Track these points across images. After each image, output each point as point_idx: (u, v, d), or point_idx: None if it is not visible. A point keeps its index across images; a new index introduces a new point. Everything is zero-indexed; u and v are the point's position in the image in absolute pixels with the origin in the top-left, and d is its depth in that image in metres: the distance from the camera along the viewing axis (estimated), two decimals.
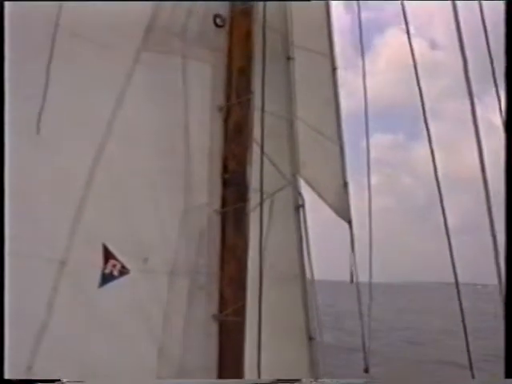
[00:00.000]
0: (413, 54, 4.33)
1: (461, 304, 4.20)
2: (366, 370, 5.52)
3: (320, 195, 5.51)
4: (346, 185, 5.64)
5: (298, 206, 5.08)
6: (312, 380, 4.87)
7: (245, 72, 3.91)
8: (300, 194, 5.13)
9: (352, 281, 5.53)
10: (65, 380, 3.01)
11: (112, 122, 3.50)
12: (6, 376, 2.81)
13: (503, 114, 3.44)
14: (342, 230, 5.53)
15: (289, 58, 5.25)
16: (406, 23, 4.34)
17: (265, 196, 4.81)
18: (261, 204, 3.85)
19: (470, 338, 4.21)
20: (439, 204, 4.17)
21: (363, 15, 5.60)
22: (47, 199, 3.34)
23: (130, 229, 3.56)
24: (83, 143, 3.47)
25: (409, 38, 4.32)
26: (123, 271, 3.47)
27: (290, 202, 5.05)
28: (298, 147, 5.22)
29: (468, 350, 4.16)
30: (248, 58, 3.92)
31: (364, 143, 5.78)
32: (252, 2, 3.94)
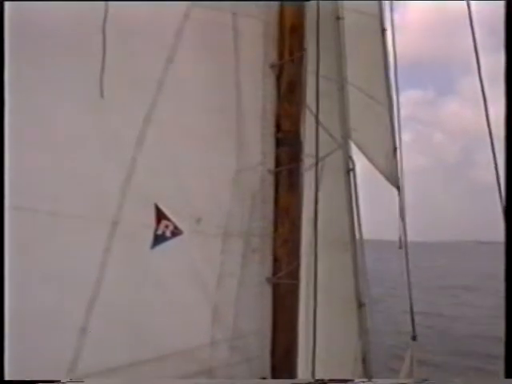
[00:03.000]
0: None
1: None
2: (414, 338, 5.47)
3: (370, 160, 5.43)
4: (395, 150, 5.55)
5: (349, 170, 4.99)
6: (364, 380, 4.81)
7: (297, 29, 3.78)
8: (350, 157, 5.04)
9: (401, 247, 5.48)
10: (65, 380, 2.96)
11: (162, 82, 3.42)
12: (7, 377, 2.76)
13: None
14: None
15: (338, 18, 5.12)
16: None
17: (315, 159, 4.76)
18: (316, 166, 3.74)
19: None
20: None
21: None
22: (96, 159, 3.28)
23: (182, 189, 3.48)
24: (133, 103, 3.38)
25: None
26: (176, 232, 3.41)
27: (341, 166, 4.97)
28: (349, 111, 5.12)
29: None
30: (300, 14, 3.80)
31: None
32: None
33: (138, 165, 3.33)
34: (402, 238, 5.39)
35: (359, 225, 4.91)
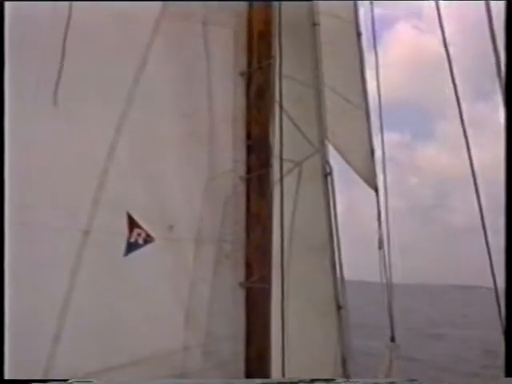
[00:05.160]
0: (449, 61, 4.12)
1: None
2: (392, 339, 5.54)
3: (348, 162, 5.47)
4: (372, 152, 5.59)
5: (326, 174, 5.03)
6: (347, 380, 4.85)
7: (264, 36, 3.84)
8: (327, 161, 5.08)
9: (380, 247, 5.52)
10: (72, 380, 3.00)
11: (134, 90, 3.47)
12: (7, 376, 2.80)
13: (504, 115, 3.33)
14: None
15: (314, 24, 5.17)
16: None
17: (293, 164, 4.80)
18: (281, 171, 3.79)
19: None
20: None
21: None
22: (67, 169, 3.32)
23: (154, 196, 3.53)
24: (105, 112, 3.44)
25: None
26: (148, 239, 3.46)
27: (319, 170, 5.00)
28: (326, 115, 5.16)
29: None
30: (267, 22, 3.85)
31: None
32: None
33: (109, 174, 3.37)
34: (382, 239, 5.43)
35: (336, 228, 4.95)
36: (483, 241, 3.86)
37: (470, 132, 4.03)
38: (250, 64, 3.79)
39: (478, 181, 3.90)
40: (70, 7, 3.29)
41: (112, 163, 3.38)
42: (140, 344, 3.40)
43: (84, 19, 3.35)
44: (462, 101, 4.07)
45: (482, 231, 3.86)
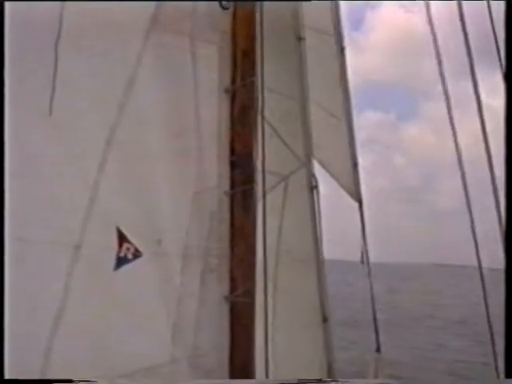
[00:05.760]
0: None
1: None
2: (378, 349, 5.59)
3: (333, 176, 5.54)
4: (356, 165, 5.66)
5: (312, 188, 5.11)
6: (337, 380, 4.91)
7: (248, 54, 3.92)
8: (313, 175, 5.16)
9: (363, 262, 5.57)
10: (77, 380, 3.05)
11: (124, 104, 3.53)
12: (7, 376, 2.86)
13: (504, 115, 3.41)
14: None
15: (300, 39, 5.25)
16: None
17: (279, 178, 4.88)
18: (263, 185, 3.84)
19: None
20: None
21: None
22: (59, 183, 3.38)
23: (143, 211, 3.60)
24: (95, 125, 3.50)
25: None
26: (137, 254, 3.53)
27: (305, 184, 5.08)
28: (311, 129, 5.23)
29: None
30: (251, 39, 3.92)
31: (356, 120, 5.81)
32: None
33: (100, 188, 3.43)
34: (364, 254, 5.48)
35: (320, 242, 5.02)
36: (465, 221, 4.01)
37: (456, 112, 4.09)
38: (233, 81, 3.87)
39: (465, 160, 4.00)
40: (61, 14, 3.34)
41: (102, 177, 3.45)
42: (130, 357, 3.46)
43: (75, 26, 3.42)
44: (448, 80, 4.14)
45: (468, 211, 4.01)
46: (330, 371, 4.98)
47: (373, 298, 5.43)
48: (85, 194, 3.40)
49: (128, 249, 3.51)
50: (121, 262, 3.49)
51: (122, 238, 3.49)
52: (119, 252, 3.48)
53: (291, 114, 5.10)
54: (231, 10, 3.88)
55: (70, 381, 2.96)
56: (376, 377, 5.20)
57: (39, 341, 3.21)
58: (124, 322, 3.49)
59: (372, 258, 5.37)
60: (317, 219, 5.06)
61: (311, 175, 5.16)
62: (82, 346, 3.35)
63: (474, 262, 4.11)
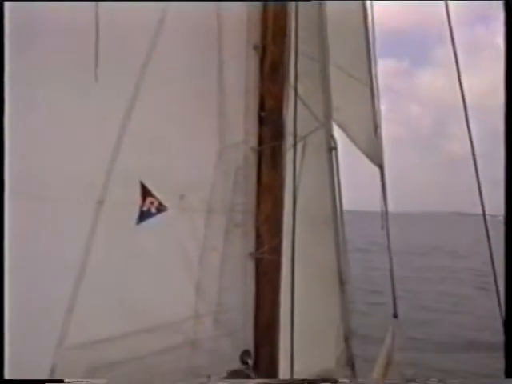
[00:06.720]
0: None
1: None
2: (395, 315, 5.58)
3: (352, 140, 5.48)
4: (377, 129, 5.60)
5: (331, 149, 5.04)
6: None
7: (280, 10, 3.84)
8: (332, 136, 5.09)
9: (383, 227, 5.55)
10: (68, 380, 3.02)
11: (147, 63, 3.45)
12: (7, 376, 2.81)
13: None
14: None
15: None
16: None
17: (298, 138, 4.81)
18: (294, 145, 3.80)
19: None
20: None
21: None
22: (83, 142, 3.30)
23: (166, 167, 3.55)
24: (119, 85, 3.41)
25: None
26: (161, 208, 3.48)
27: (323, 145, 5.01)
28: (331, 90, 5.15)
29: None
30: (284, 11, 3.85)
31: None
32: None
33: (122, 145, 3.37)
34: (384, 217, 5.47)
35: (341, 204, 4.97)
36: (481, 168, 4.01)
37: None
38: (263, 38, 3.80)
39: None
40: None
41: (125, 135, 3.38)
42: (153, 311, 3.44)
43: None
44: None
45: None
46: (348, 338, 4.99)
47: (391, 266, 5.41)
48: (107, 150, 3.34)
49: (152, 203, 3.46)
50: (144, 215, 3.44)
51: (145, 192, 3.44)
52: (142, 206, 3.43)
53: (311, 75, 5.01)
54: None
55: (61, 381, 2.95)
56: (392, 344, 5.21)
57: (62, 295, 3.17)
58: (147, 277, 3.45)
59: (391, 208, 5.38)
60: (335, 181, 5.00)
61: (330, 136, 5.09)
62: (105, 300, 3.30)
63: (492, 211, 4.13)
